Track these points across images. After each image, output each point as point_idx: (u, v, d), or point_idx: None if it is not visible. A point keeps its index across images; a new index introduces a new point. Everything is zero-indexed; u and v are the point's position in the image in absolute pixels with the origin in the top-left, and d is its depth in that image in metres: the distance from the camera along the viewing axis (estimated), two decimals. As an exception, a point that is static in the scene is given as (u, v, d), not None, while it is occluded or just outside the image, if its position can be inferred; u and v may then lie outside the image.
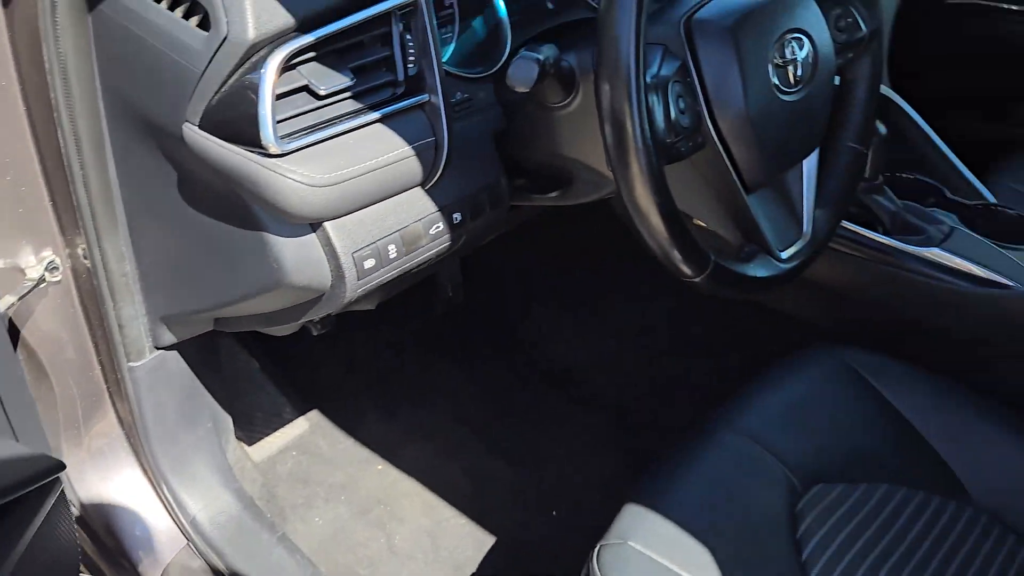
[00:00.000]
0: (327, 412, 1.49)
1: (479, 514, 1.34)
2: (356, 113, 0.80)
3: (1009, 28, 1.76)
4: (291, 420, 1.46)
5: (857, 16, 0.91)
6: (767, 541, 0.89)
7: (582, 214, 1.50)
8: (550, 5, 1.03)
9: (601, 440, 1.46)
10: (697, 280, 0.73)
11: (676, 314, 1.55)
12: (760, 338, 1.23)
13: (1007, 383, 1.09)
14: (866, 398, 1.06)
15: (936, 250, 1.10)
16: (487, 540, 1.30)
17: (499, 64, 0.93)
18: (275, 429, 1.44)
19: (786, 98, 0.80)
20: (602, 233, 1.43)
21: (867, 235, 1.14)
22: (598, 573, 0.82)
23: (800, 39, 0.81)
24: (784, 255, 0.85)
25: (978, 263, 1.08)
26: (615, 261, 1.57)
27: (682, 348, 1.54)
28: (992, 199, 1.22)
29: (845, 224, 1.15)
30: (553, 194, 0.89)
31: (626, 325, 1.59)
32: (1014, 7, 1.70)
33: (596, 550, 0.85)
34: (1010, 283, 1.06)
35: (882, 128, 1.10)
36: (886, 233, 1.14)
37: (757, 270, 0.80)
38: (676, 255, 0.71)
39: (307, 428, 1.45)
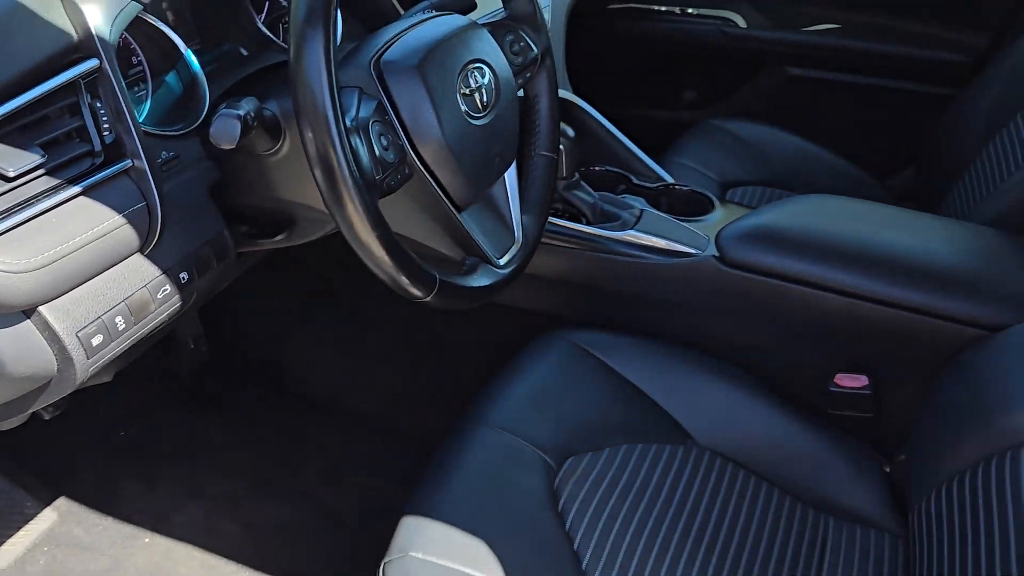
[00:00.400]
0: (77, 496, 1.40)
1: (262, 562, 1.33)
2: (54, 190, 0.77)
3: (664, 26, 2.02)
4: (36, 513, 1.35)
5: (528, 40, 1.02)
6: (535, 521, 0.98)
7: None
8: (244, 51, 1.04)
9: (378, 459, 1.50)
10: (428, 299, 0.79)
11: (430, 325, 1.61)
12: (507, 335, 1.33)
13: (715, 338, 1.26)
14: (597, 372, 1.19)
15: (631, 232, 1.26)
16: (275, 586, 1.30)
17: (200, 118, 0.93)
18: (18, 527, 1.32)
19: (477, 122, 0.88)
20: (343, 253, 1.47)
21: (574, 227, 1.28)
22: (386, 591, 0.86)
23: (481, 68, 0.90)
24: (502, 262, 0.93)
25: (665, 238, 1.25)
26: (363, 280, 1.60)
27: (440, 357, 1.61)
28: (669, 179, 1.41)
29: (554, 221, 1.27)
30: (279, 237, 0.92)
31: (385, 342, 1.63)
32: (663, 8, 1.95)
33: (381, 569, 0.89)
34: (692, 251, 1.23)
35: (570, 131, 1.23)
36: (589, 223, 1.28)
37: (480, 280, 0.88)
38: (403, 280, 0.77)
39: (56, 518, 1.35)
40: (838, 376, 1.17)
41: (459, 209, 0.87)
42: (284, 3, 1.11)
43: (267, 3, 1.08)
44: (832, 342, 1.18)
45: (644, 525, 1.01)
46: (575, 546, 0.97)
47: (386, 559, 0.90)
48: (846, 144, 1.80)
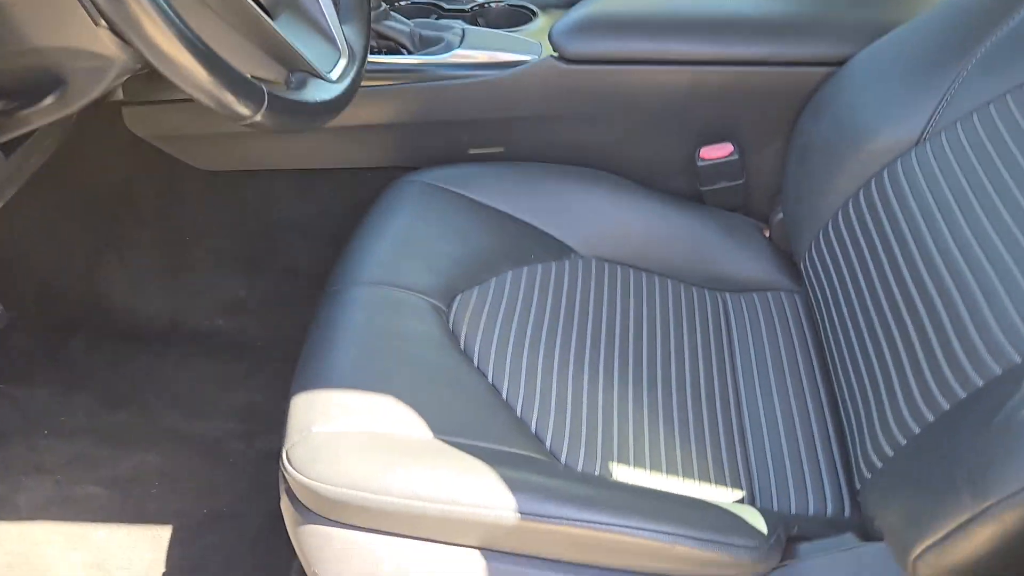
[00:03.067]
0: None
1: (139, 514, 1.16)
2: None
3: None
4: None
5: None
6: (441, 365, 0.88)
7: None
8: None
9: (236, 377, 1.34)
10: (258, 118, 0.65)
11: (257, 215, 1.42)
12: (348, 202, 1.19)
13: (571, 146, 1.18)
14: (460, 207, 1.08)
15: (458, 51, 1.14)
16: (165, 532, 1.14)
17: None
18: None
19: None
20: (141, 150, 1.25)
21: (396, 61, 1.14)
22: (297, 475, 0.74)
23: None
24: (334, 76, 0.80)
25: (495, 50, 1.14)
26: (171, 181, 1.39)
27: (278, 250, 1.44)
28: (482, -2, 1.29)
29: (376, 59, 1.13)
30: (47, 102, 0.73)
31: (213, 249, 1.43)
32: None
33: (283, 457, 0.77)
34: (527, 57, 1.13)
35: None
36: (411, 53, 1.15)
37: (315, 94, 0.74)
38: (228, 97, 0.63)
39: None
40: (702, 150, 1.13)
41: (271, 16, 0.72)
42: None
43: None
44: (688, 117, 1.14)
45: (553, 344, 0.94)
46: (490, 380, 0.89)
47: (285, 446, 0.77)
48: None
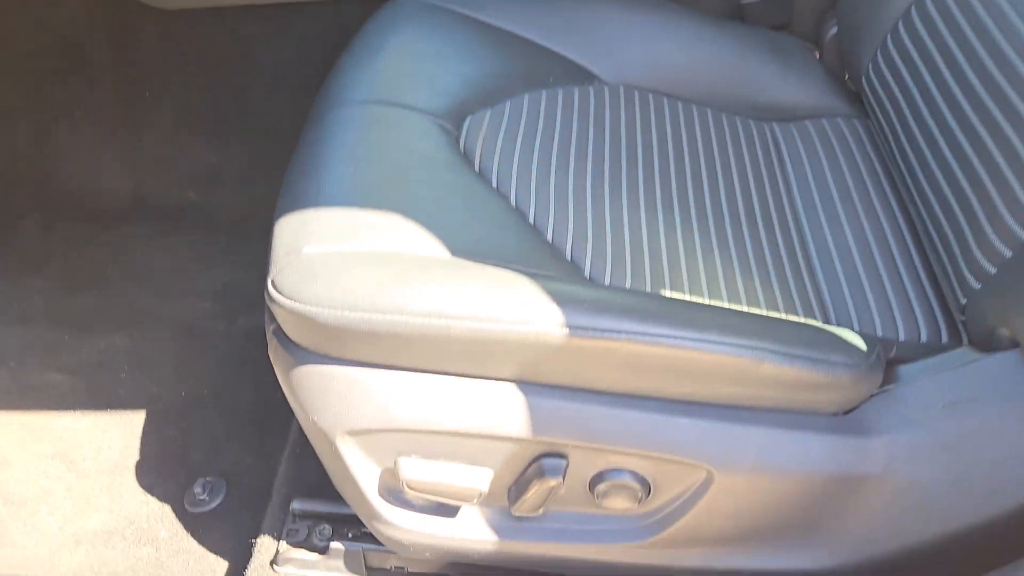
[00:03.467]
0: None
1: (109, 399, 1.01)
2: None
3: None
4: None
5: None
6: (454, 185, 0.73)
7: None
8: None
9: (210, 255, 1.19)
10: None
11: (217, 65, 1.25)
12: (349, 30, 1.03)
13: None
14: (467, 28, 0.92)
15: None
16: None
17: None
18: None
19: None
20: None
21: None
22: (287, 301, 0.60)
23: None
24: None
25: None
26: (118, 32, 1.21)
27: (245, 112, 1.28)
28: None
29: None
30: None
31: (173, 106, 1.25)
32: None
33: (268, 285, 0.62)
34: None
35: None
36: None
37: None
38: None
39: None
40: (743, -44, 0.97)
41: None
42: None
43: None
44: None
45: (584, 169, 0.79)
46: (514, 203, 0.74)
47: (271, 274, 0.63)
48: None
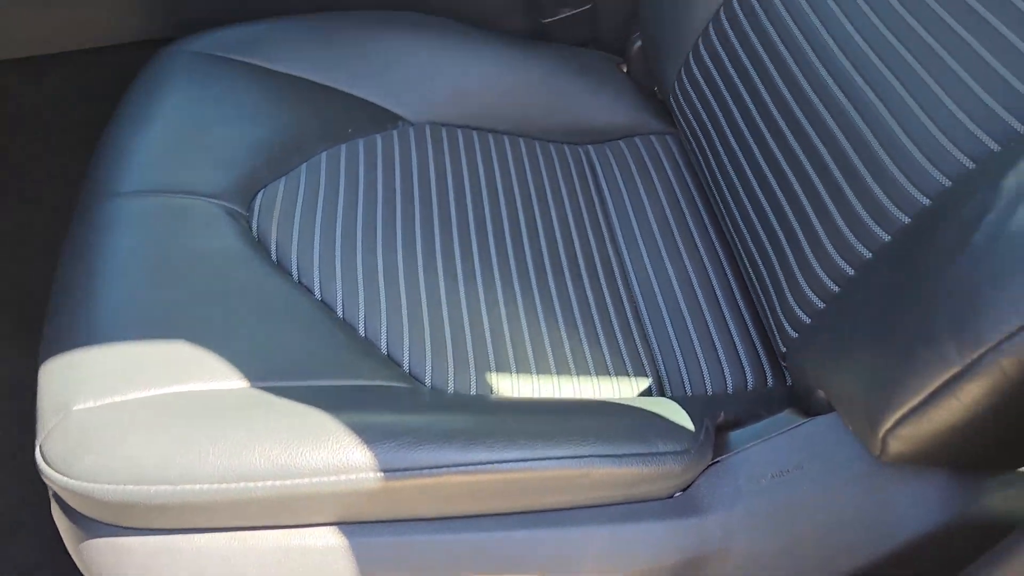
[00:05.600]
0: None
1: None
2: None
3: None
4: None
5: None
6: (249, 287, 0.66)
7: None
8: None
9: None
10: None
11: None
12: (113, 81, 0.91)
13: None
14: (249, 78, 0.84)
15: None
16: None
17: None
18: None
19: None
20: None
21: None
22: (59, 476, 0.52)
23: None
24: None
25: None
26: None
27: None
28: None
29: None
30: None
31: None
32: None
33: (37, 453, 0.54)
34: None
35: None
36: None
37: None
38: None
39: None
40: (541, -25, 0.92)
41: None
42: None
43: None
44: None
45: (392, 236, 0.74)
46: (319, 295, 0.68)
47: (39, 437, 0.55)
48: None
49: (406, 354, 0.66)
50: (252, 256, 0.69)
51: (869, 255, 0.58)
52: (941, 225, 0.52)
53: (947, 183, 0.54)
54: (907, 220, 0.56)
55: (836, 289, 0.60)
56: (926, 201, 0.55)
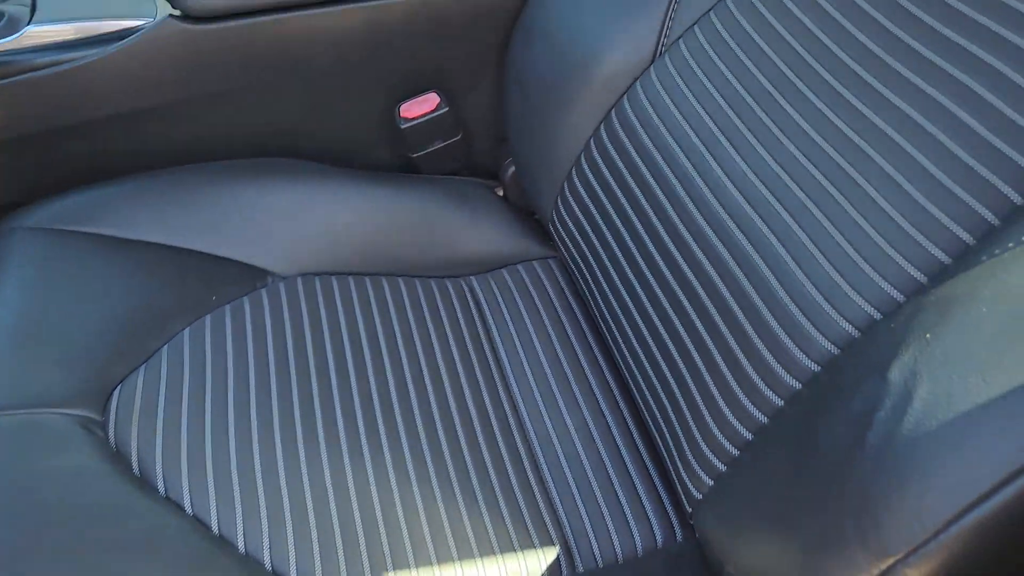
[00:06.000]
0: None
1: None
2: None
3: None
4: None
5: None
6: (108, 518, 0.59)
7: None
8: None
9: None
10: None
11: None
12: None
13: (214, 137, 0.89)
14: (98, 251, 0.77)
15: (30, 29, 0.79)
16: None
17: None
18: None
19: None
20: None
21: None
22: None
23: None
24: None
25: (89, 19, 0.81)
26: None
27: None
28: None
29: None
30: None
31: None
32: None
33: None
34: (134, 23, 0.81)
35: None
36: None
37: None
38: None
39: None
40: (402, 107, 0.89)
41: None
42: None
43: None
44: (377, 68, 0.89)
45: (268, 423, 0.69)
46: (190, 510, 0.62)
47: None
48: None
49: (292, 566, 0.60)
50: (110, 472, 0.62)
51: (765, 420, 0.56)
52: (835, 406, 0.51)
53: (835, 350, 0.53)
54: (799, 387, 0.55)
55: (736, 452, 0.58)
56: (816, 367, 0.54)
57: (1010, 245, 0.45)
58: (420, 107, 0.88)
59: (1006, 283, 0.43)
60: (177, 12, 0.80)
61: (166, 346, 0.72)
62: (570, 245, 0.81)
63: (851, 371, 0.51)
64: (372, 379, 0.75)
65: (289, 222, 0.84)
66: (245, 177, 0.85)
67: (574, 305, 0.85)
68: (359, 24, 0.84)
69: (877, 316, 0.52)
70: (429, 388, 0.76)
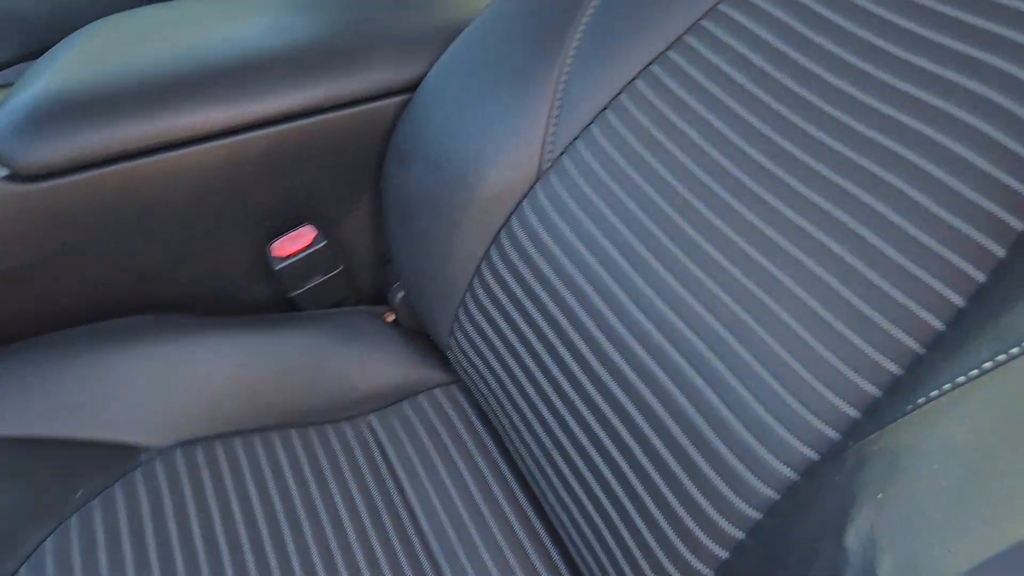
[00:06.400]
0: None
1: None
2: None
3: None
4: None
5: None
6: None
7: None
8: None
9: None
10: None
11: None
12: None
13: (60, 298, 0.80)
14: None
15: None
16: None
17: None
18: None
19: None
20: None
21: None
22: None
23: None
24: None
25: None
26: None
27: None
28: None
29: None
30: None
31: None
32: None
33: None
34: None
35: None
36: None
37: None
38: None
39: None
40: (273, 246, 0.82)
41: None
42: None
43: None
44: (239, 208, 0.82)
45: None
46: None
47: None
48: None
49: None
50: None
51: (726, 555, 0.52)
52: (790, 563, 0.47)
53: (776, 496, 0.50)
54: (743, 536, 0.51)
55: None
56: (757, 515, 0.50)
57: (946, 387, 0.42)
58: (294, 243, 0.82)
59: (953, 438, 0.40)
60: (5, 171, 0.72)
61: (24, 566, 0.62)
62: (471, 374, 0.76)
63: (800, 528, 0.47)
64: (274, 560, 0.67)
65: (161, 386, 0.76)
66: (108, 343, 0.76)
67: (483, 434, 0.79)
68: (218, 163, 0.77)
69: (815, 457, 0.49)
70: (339, 560, 0.68)
